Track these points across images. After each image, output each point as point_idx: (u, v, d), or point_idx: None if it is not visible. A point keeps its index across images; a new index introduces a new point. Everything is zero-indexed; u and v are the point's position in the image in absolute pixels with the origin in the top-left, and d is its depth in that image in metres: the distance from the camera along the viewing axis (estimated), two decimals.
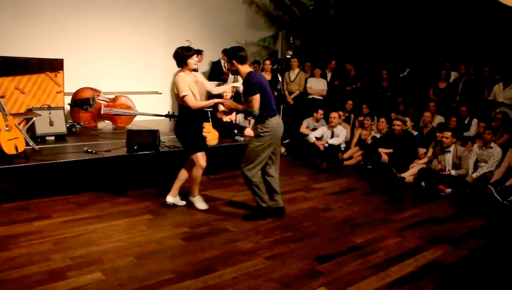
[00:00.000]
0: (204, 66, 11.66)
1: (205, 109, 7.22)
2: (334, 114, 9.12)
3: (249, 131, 8.62)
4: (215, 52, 11.46)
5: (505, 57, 10.23)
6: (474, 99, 9.86)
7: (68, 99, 9.04)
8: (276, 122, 5.42)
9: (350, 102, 10.69)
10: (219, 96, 7.55)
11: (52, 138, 7.76)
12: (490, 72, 10.10)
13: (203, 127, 6.04)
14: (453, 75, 10.85)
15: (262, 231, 5.21)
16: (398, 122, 8.42)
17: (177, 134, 5.76)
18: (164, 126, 9.57)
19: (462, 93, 10.34)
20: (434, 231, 5.52)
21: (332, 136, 9.09)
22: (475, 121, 9.28)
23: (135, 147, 6.92)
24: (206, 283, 3.88)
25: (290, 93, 10.96)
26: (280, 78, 9.70)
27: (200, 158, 5.63)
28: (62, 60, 8.74)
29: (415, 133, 9.05)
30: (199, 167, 5.66)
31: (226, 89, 7.66)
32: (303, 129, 9.77)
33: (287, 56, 12.08)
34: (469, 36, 11.21)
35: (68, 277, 3.84)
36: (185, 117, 5.63)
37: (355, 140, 9.65)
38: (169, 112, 9.83)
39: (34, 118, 7.44)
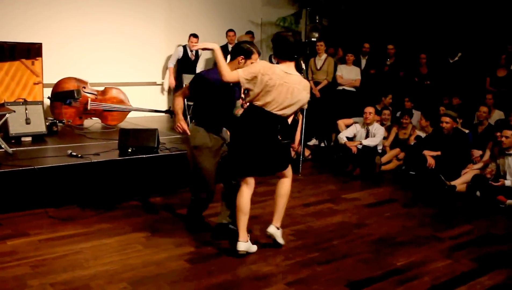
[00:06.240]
0: (206, 52, 11.48)
1: None
2: (369, 109, 9.06)
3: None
4: (224, 35, 11.53)
5: None
6: None
7: (48, 92, 9.10)
8: None
9: (389, 96, 10.64)
10: None
11: (29, 139, 7.81)
12: None
13: None
14: None
15: (283, 251, 5.21)
16: (447, 119, 8.35)
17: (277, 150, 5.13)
18: (163, 124, 9.63)
19: None
20: (492, 251, 5.50)
21: (367, 136, 9.04)
22: None
23: (129, 150, 6.98)
24: None
25: (316, 83, 10.97)
26: (303, 66, 9.67)
27: None
28: (40, 45, 8.83)
29: (467, 131, 8.99)
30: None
31: None
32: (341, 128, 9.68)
33: (312, 39, 12.06)
34: None
35: None
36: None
37: (390, 139, 9.59)
38: (170, 107, 9.88)
39: (7, 115, 7.48)
